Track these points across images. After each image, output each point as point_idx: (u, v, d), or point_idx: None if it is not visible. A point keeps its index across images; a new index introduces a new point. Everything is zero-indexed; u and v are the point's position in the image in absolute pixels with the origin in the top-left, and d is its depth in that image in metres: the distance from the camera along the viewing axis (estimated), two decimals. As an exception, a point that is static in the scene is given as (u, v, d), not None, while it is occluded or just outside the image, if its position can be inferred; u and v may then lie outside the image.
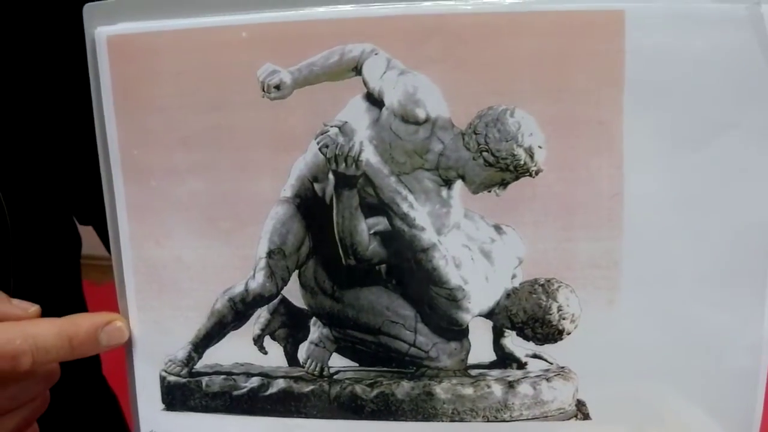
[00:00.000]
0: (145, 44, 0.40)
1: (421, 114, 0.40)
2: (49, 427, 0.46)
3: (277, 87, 0.40)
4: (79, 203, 0.58)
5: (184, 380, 0.44)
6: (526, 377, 0.42)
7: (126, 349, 0.44)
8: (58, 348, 0.39)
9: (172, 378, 0.44)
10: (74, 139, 0.47)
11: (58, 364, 0.41)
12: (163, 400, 0.44)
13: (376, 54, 0.39)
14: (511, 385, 0.42)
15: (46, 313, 0.42)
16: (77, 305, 0.62)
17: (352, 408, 0.43)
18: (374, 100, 0.40)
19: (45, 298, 0.44)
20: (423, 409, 0.42)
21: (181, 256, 0.43)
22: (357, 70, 0.39)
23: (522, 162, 0.39)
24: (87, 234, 0.61)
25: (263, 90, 0.40)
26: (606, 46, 0.38)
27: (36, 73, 0.48)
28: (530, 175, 0.39)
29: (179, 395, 0.44)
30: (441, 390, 0.42)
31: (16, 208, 0.49)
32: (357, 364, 0.43)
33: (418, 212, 0.41)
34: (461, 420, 0.42)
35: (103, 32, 0.40)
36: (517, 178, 0.40)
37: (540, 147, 0.39)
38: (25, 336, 0.38)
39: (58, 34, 0.47)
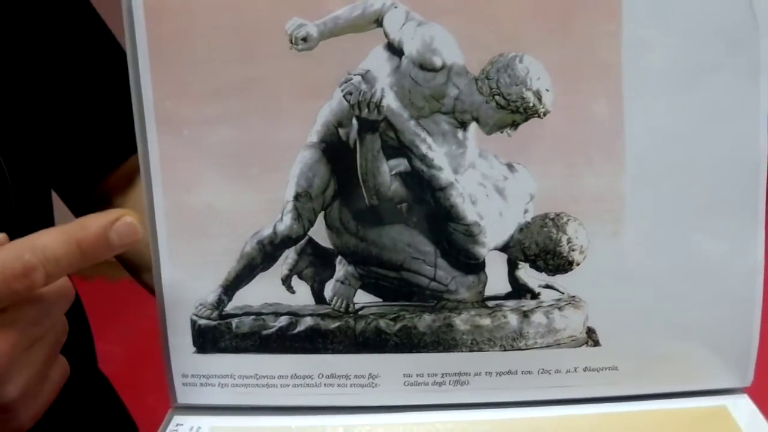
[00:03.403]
0: (178, 3, 0.43)
1: (437, 62, 0.43)
2: (46, 426, 0.43)
3: (304, 39, 0.43)
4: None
5: (214, 323, 0.46)
6: (540, 307, 0.45)
7: (157, 296, 0.46)
8: (69, 255, 0.36)
9: (202, 321, 0.46)
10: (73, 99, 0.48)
11: (71, 282, 0.38)
12: (195, 343, 0.46)
13: (395, 7, 0.43)
14: (525, 315, 0.45)
15: None
16: None
17: (377, 342, 0.45)
18: (394, 50, 0.43)
19: None
20: (444, 340, 0.45)
21: (212, 202, 0.45)
22: (378, 22, 0.43)
23: (531, 104, 0.43)
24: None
25: (291, 42, 0.43)
26: (604, -6, 0.42)
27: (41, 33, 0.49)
28: (539, 116, 0.43)
29: (210, 338, 0.46)
30: (460, 321, 0.45)
31: (17, 173, 0.50)
32: (381, 300, 0.46)
33: (436, 153, 0.44)
34: (480, 350, 0.45)
35: (139, -8, 0.43)
36: (526, 120, 0.43)
37: (547, 90, 0.42)
38: (33, 249, 0.35)
39: None
